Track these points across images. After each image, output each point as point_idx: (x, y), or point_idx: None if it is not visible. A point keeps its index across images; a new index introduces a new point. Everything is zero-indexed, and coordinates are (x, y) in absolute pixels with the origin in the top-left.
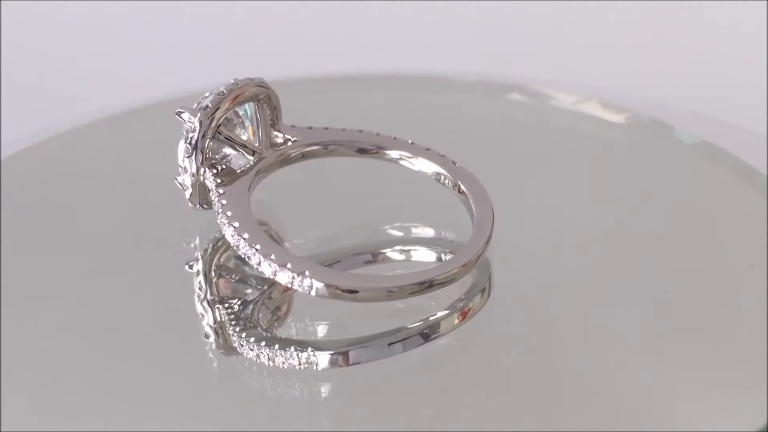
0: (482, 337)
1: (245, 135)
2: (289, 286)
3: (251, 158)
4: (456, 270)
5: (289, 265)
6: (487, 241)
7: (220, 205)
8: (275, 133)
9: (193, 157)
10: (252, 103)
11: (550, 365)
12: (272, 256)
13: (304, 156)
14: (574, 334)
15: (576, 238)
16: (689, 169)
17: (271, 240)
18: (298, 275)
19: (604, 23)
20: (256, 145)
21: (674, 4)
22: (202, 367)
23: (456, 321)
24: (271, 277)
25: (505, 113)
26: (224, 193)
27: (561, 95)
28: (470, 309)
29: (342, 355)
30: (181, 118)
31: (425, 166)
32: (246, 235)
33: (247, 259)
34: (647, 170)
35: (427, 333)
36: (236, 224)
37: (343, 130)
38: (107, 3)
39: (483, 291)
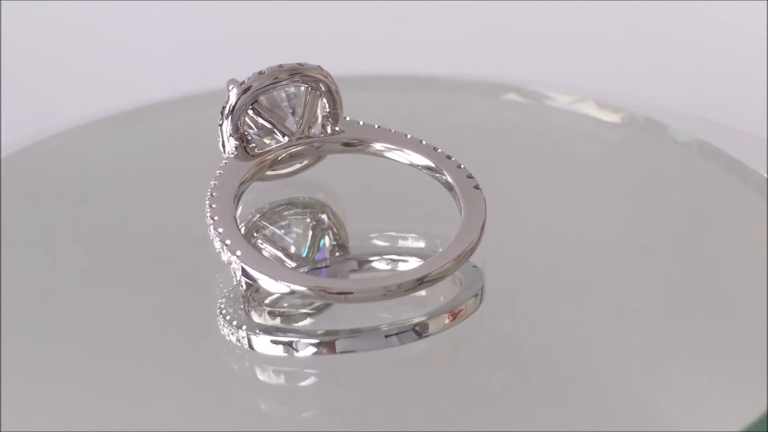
0: (476, 338)
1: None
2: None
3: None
4: (448, 264)
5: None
6: (481, 232)
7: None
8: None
9: (223, 126)
10: (305, 89)
11: (546, 366)
12: (252, 265)
13: (292, 156)
14: (571, 333)
15: (572, 238)
16: (685, 169)
17: (248, 243)
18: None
19: (602, 24)
20: (293, 130)
21: (673, 5)
22: (203, 369)
23: (446, 321)
24: (252, 283)
25: (501, 113)
26: (222, 172)
27: (557, 95)
28: (462, 310)
29: (328, 345)
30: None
31: (416, 158)
32: (229, 241)
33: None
34: (643, 170)
35: (418, 330)
36: (220, 230)
37: (393, 131)
38: (108, 3)
39: (476, 296)
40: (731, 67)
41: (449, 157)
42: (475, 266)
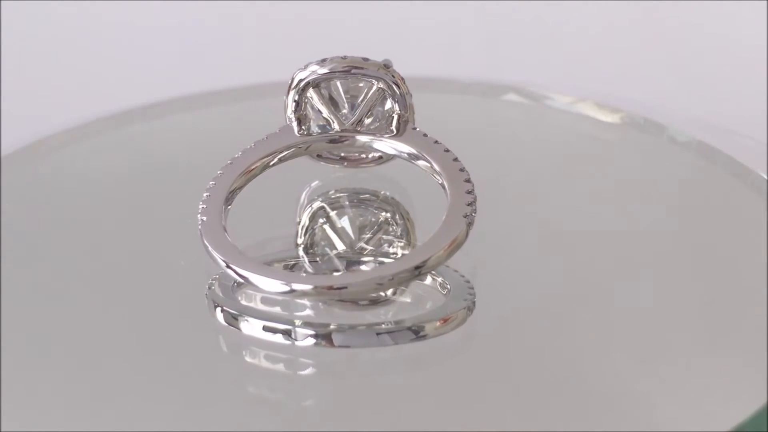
0: (472, 338)
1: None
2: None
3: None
4: (442, 252)
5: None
6: (470, 218)
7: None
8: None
9: (285, 99)
10: (368, 85)
11: (543, 365)
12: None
13: (281, 160)
14: (568, 334)
15: (570, 238)
16: (684, 169)
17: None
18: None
19: (602, 26)
20: (344, 121)
21: (673, 6)
22: (204, 369)
23: (438, 324)
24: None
25: (501, 113)
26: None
27: (557, 96)
28: (452, 317)
29: (325, 337)
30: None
31: (401, 147)
32: (214, 244)
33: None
34: (642, 170)
35: (414, 330)
36: (207, 231)
37: (436, 142)
38: (108, 3)
39: (467, 309)
40: (731, 69)
41: (447, 150)
42: (464, 277)
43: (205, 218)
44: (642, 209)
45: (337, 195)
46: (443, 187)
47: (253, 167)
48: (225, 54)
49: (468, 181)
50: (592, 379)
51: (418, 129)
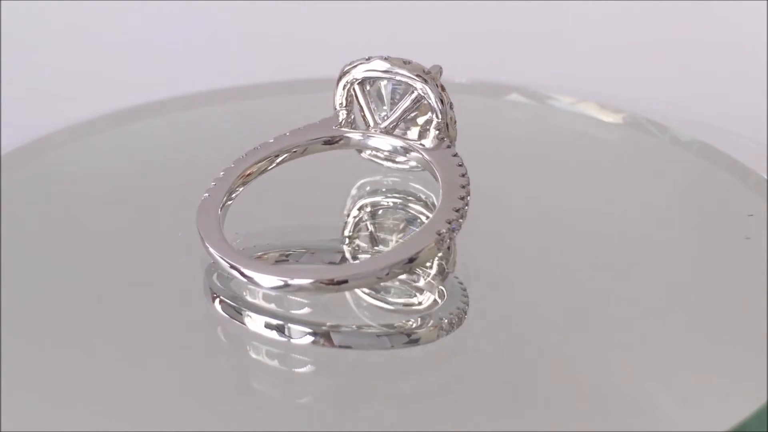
0: (470, 338)
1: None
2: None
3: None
4: (432, 244)
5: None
6: (463, 202)
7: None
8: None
9: (334, 91)
10: (408, 89)
11: (541, 363)
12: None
13: (278, 164)
14: (568, 334)
15: (571, 237)
16: (685, 169)
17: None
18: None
19: (604, 27)
20: (379, 123)
21: (675, 8)
22: (201, 367)
23: (431, 328)
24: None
25: (504, 113)
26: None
27: (559, 96)
28: (443, 323)
29: (324, 336)
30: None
31: (394, 141)
32: (214, 246)
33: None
34: (643, 170)
35: (407, 333)
36: (204, 233)
37: (454, 155)
38: (108, 3)
39: (458, 320)
40: (732, 70)
41: (460, 165)
42: (457, 278)
43: (207, 195)
44: (643, 209)
45: (390, 196)
46: (434, 177)
47: (249, 171)
48: (223, 54)
49: (462, 198)
50: (592, 379)
51: (445, 139)
